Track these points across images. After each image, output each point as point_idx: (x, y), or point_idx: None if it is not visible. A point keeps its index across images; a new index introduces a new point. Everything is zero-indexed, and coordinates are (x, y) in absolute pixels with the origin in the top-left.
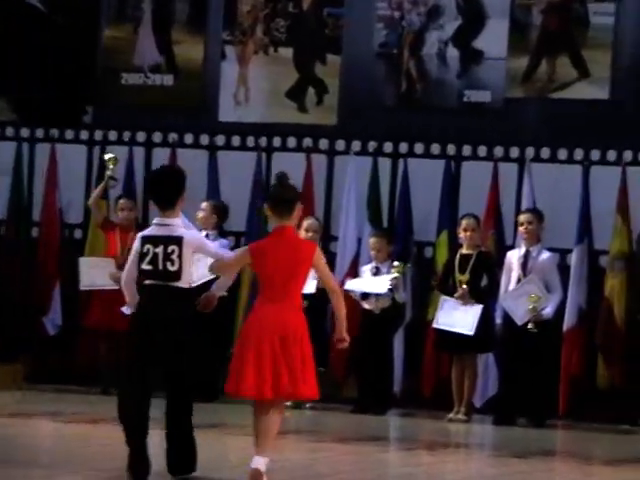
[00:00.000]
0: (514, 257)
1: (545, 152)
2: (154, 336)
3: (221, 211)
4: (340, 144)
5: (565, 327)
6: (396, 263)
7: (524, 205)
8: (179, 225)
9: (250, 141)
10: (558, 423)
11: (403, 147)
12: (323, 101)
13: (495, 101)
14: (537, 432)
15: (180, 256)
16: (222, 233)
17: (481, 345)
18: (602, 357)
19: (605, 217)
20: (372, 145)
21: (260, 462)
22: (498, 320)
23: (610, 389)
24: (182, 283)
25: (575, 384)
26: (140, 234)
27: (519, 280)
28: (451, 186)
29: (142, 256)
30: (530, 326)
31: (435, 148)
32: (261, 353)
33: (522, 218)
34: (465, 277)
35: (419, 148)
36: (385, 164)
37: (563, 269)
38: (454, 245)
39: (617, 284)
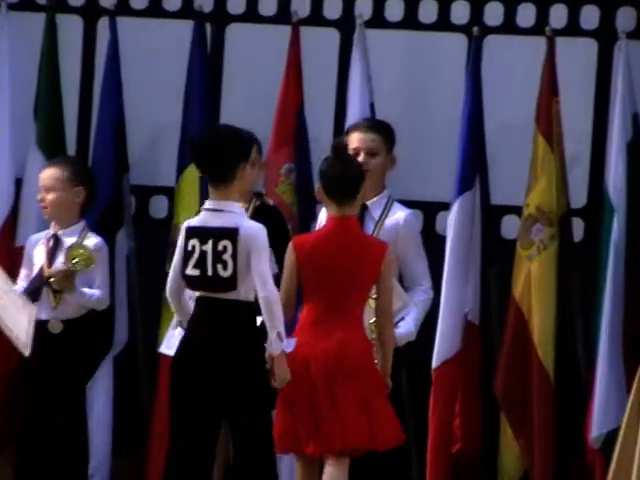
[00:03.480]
0: None
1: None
2: (210, 380)
3: None
4: None
5: (436, 359)
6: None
7: (354, 114)
8: (237, 211)
9: None
10: None
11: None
12: None
13: None
14: None
15: (234, 256)
16: None
17: None
18: (507, 420)
19: (516, 135)
20: None
21: None
22: None
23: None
24: (240, 295)
25: (456, 465)
26: (186, 224)
27: None
28: (205, 65)
29: (186, 256)
30: None
31: None
32: (303, 394)
33: (354, 139)
34: None
35: None
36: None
37: (429, 242)
38: None
39: (537, 271)
